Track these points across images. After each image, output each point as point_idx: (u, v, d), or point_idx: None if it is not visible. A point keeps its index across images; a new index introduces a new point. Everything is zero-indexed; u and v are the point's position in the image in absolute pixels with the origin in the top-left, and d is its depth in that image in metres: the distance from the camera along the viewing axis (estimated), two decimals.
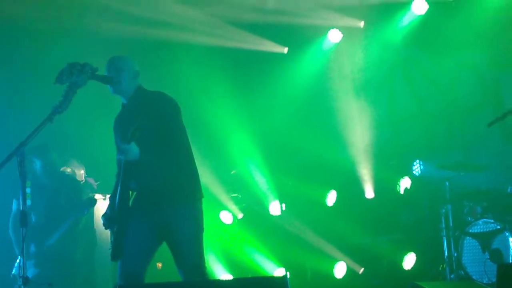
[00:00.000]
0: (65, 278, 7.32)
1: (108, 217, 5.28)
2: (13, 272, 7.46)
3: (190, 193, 5.30)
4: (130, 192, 5.28)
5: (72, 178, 7.91)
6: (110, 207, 5.32)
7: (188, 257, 5.20)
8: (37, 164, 7.56)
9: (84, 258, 7.81)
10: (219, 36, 9.10)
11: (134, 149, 4.98)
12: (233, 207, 9.18)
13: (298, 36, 9.31)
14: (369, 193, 9.24)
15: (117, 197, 5.20)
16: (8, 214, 7.68)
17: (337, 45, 9.46)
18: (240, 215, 9.14)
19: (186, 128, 5.42)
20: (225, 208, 9.11)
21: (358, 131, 9.31)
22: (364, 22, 9.18)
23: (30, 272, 7.29)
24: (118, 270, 5.18)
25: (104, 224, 5.31)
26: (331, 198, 9.32)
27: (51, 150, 7.60)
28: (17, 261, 7.37)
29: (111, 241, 5.22)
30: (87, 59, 5.17)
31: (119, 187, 5.20)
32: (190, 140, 5.42)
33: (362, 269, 8.95)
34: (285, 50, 9.51)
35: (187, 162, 5.36)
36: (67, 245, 7.55)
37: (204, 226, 5.33)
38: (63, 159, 8.08)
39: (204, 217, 5.35)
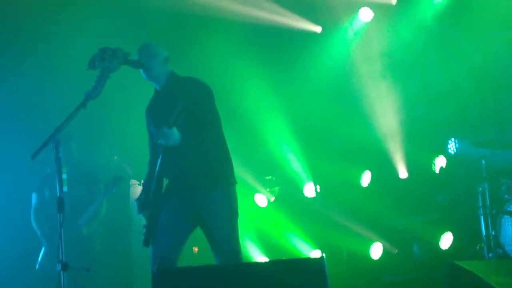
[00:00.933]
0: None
1: (142, 202, 5.30)
2: (39, 262, 7.54)
3: (224, 178, 5.31)
4: (164, 179, 5.29)
5: (88, 171, 7.89)
6: (144, 192, 5.34)
7: (223, 243, 5.21)
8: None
9: (106, 246, 7.85)
10: (254, 9, 9.06)
11: (175, 134, 4.98)
12: (267, 189, 9.19)
13: (331, 15, 9.25)
14: (403, 173, 9.18)
15: (154, 182, 5.21)
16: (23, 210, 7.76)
17: (369, 24, 9.37)
18: (272, 198, 9.13)
19: (219, 111, 5.42)
20: (259, 191, 9.12)
21: (391, 111, 9.23)
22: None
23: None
24: (151, 255, 5.20)
25: (138, 209, 5.34)
26: (366, 178, 9.28)
27: (71, 139, 7.62)
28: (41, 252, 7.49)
29: (144, 226, 5.24)
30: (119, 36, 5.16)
31: (156, 172, 5.20)
32: (223, 123, 5.43)
33: (396, 250, 8.89)
34: (319, 29, 9.45)
35: (221, 147, 5.37)
36: (87, 232, 7.61)
37: (239, 209, 5.33)
38: (93, 146, 8.16)
39: (238, 200, 5.36)
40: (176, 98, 5.11)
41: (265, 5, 9.04)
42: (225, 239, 5.21)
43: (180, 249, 5.26)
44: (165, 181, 5.34)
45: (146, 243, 5.17)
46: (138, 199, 5.36)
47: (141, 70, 5.34)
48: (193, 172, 5.24)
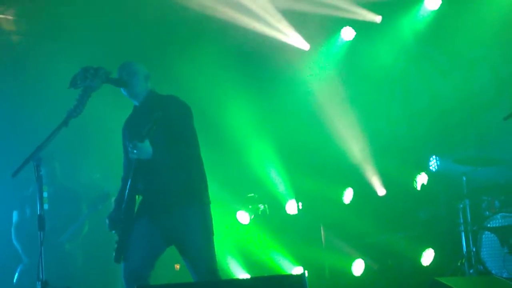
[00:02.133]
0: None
1: (112, 218, 5.28)
2: (16, 278, 7.51)
3: (198, 197, 5.29)
4: (137, 196, 5.28)
5: (70, 189, 7.88)
6: (115, 209, 5.33)
7: (199, 263, 5.20)
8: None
9: (87, 264, 7.82)
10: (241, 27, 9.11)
11: (147, 147, 4.98)
12: (249, 207, 9.19)
13: (318, 32, 9.32)
14: (381, 190, 9.22)
15: (125, 198, 5.20)
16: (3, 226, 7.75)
17: (350, 42, 9.46)
18: (251, 216, 9.11)
19: (202, 128, 5.43)
20: (241, 208, 9.12)
21: (373, 128, 9.29)
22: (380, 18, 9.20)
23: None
24: (122, 272, 5.18)
25: (108, 226, 5.30)
26: (348, 195, 9.31)
27: (55, 159, 7.62)
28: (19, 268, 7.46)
29: (115, 242, 5.21)
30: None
31: (127, 188, 5.20)
32: (206, 140, 5.44)
33: (376, 266, 8.92)
34: (307, 47, 9.50)
35: (196, 166, 5.36)
36: (69, 248, 7.59)
37: (222, 226, 5.34)
38: (76, 164, 8.14)
39: (221, 218, 5.35)
40: (154, 113, 5.12)
41: (252, 22, 9.08)
42: (201, 259, 5.20)
43: (152, 265, 5.23)
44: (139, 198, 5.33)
45: (117, 259, 5.14)
46: (109, 216, 5.33)
47: (121, 88, 5.36)
48: (166, 190, 5.22)
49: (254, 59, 9.18)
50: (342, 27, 9.41)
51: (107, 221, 5.31)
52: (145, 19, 8.58)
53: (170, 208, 5.20)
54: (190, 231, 5.19)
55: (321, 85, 9.47)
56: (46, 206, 7.18)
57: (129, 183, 5.19)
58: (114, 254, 5.14)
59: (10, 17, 8.42)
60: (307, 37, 9.47)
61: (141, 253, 5.17)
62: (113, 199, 7.88)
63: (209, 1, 8.67)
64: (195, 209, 5.24)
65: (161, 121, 5.03)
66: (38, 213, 4.71)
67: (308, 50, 9.53)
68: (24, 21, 8.51)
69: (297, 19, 9.22)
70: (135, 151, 4.98)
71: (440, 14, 8.91)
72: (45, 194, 7.29)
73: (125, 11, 8.41)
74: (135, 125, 5.33)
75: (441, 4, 8.87)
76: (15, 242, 7.65)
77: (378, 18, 9.20)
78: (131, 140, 5.09)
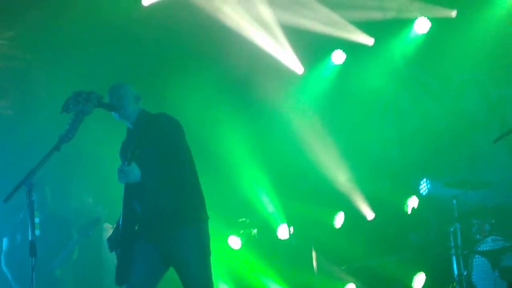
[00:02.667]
0: None
1: (112, 240, 5.30)
2: None
3: (193, 215, 5.27)
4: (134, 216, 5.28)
5: (60, 216, 7.85)
6: (115, 230, 5.35)
7: (195, 282, 5.16)
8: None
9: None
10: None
11: (134, 171, 4.99)
12: (241, 231, 9.17)
13: (311, 55, 9.39)
14: (369, 214, 9.24)
15: (121, 219, 5.21)
16: None
17: (342, 65, 9.53)
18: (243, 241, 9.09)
19: (193, 152, 5.42)
20: (233, 233, 9.09)
21: (364, 151, 9.33)
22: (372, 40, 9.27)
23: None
24: None
25: (109, 247, 5.32)
26: (339, 219, 9.31)
27: (46, 184, 7.60)
28: None
29: (115, 264, 5.20)
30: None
31: (121, 210, 5.20)
32: (197, 164, 5.42)
33: None
34: (301, 70, 9.54)
35: (191, 183, 5.34)
36: (59, 273, 7.55)
37: (213, 251, 5.30)
38: (68, 190, 8.11)
39: (212, 242, 5.33)
40: (146, 135, 5.15)
41: (246, 44, 9.12)
42: (197, 279, 5.16)
43: None
44: None
45: (118, 281, 5.14)
46: (109, 238, 5.35)
47: (112, 112, 5.36)
48: (160, 211, 5.21)
49: (247, 82, 9.21)
50: (333, 50, 9.46)
51: (107, 242, 5.32)
52: (138, 42, 8.63)
53: (165, 229, 5.18)
54: (186, 252, 5.16)
55: (313, 109, 9.51)
56: (37, 232, 7.15)
57: (123, 204, 5.19)
58: (115, 276, 5.13)
59: (5, 42, 8.46)
60: (302, 60, 9.51)
61: (143, 277, 5.16)
62: (104, 224, 7.89)
63: (202, 23, 8.72)
64: (190, 229, 5.21)
65: (149, 143, 5.06)
66: (30, 239, 4.67)
67: (302, 74, 9.56)
68: (18, 45, 8.53)
69: (292, 41, 9.26)
70: (122, 175, 4.99)
71: (429, 37, 8.99)
72: (36, 220, 7.26)
73: (119, 34, 8.46)
74: (127, 148, 5.33)
75: (430, 28, 8.95)
76: (5, 269, 7.59)
77: (370, 41, 9.25)
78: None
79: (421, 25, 8.96)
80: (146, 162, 5.04)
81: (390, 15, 8.98)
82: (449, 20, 8.79)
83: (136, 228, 5.28)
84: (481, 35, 8.59)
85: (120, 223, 5.22)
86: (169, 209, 5.21)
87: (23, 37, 8.46)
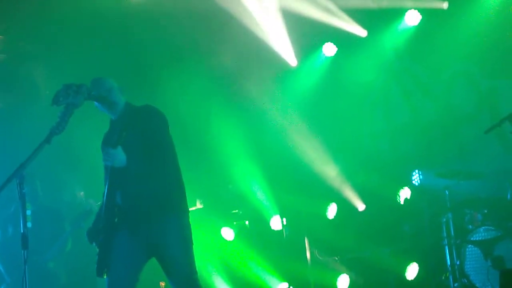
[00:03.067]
0: None
1: (91, 231, 5.29)
2: None
3: (175, 207, 5.29)
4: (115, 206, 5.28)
5: (52, 208, 7.85)
6: (95, 221, 5.34)
7: (179, 273, 5.19)
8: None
9: (71, 282, 7.77)
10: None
11: (120, 154, 5.00)
12: (234, 223, 9.19)
13: (305, 48, 9.38)
14: (360, 205, 9.26)
15: (102, 209, 5.21)
16: None
17: (333, 58, 9.53)
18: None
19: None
20: (226, 224, 9.11)
21: (356, 143, 9.35)
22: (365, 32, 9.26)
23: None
24: (107, 286, 5.15)
25: (88, 238, 5.30)
26: (332, 211, 9.32)
27: (36, 177, 7.59)
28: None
29: (96, 255, 5.20)
30: None
31: (103, 199, 5.21)
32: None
33: (362, 281, 8.93)
34: (295, 62, 9.54)
35: (173, 174, 5.36)
36: (52, 266, 7.55)
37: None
38: (59, 182, 8.10)
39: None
40: (130, 124, 5.17)
41: (238, 36, 9.11)
42: (180, 269, 5.19)
43: (136, 278, 5.22)
44: None
45: (98, 273, 5.13)
46: (88, 229, 5.34)
47: (96, 103, 5.35)
48: (142, 200, 5.21)
49: (240, 75, 9.22)
50: (324, 42, 9.47)
51: (86, 234, 5.31)
52: (129, 35, 8.61)
53: (147, 219, 5.19)
54: (168, 241, 5.18)
55: (305, 102, 9.52)
56: (29, 225, 7.15)
57: (105, 194, 5.20)
58: (95, 267, 5.13)
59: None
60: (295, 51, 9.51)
61: (124, 267, 5.16)
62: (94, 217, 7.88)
63: (193, 15, 8.71)
64: (172, 219, 5.23)
65: (134, 128, 5.07)
66: (21, 231, 4.68)
67: (295, 66, 9.57)
68: (7, 39, 8.52)
69: (287, 31, 9.25)
70: (108, 158, 5.00)
71: (420, 30, 9.01)
72: (28, 212, 7.26)
73: (109, 28, 8.45)
74: (110, 138, 5.33)
75: (421, 20, 8.96)
76: None
77: (363, 32, 9.24)
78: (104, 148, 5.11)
79: (412, 18, 8.97)
80: (130, 151, 5.04)
81: (384, 5, 8.96)
82: (439, 12, 8.80)
83: (116, 219, 5.27)
84: (471, 27, 8.62)
85: (102, 214, 5.21)
86: (151, 200, 5.21)
87: (13, 31, 8.43)
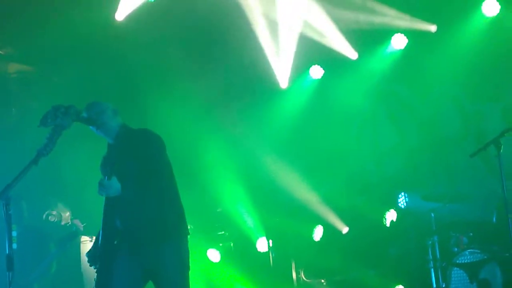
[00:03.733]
0: None
1: (91, 254, 5.32)
2: None
3: (173, 231, 5.29)
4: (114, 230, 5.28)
5: (37, 229, 7.81)
6: (95, 244, 5.36)
7: None
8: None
9: None
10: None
11: (114, 185, 5.00)
12: (220, 244, 9.17)
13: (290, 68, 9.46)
14: (344, 228, 9.27)
15: (100, 234, 5.21)
16: None
17: (319, 80, 9.59)
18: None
19: (174, 167, 5.43)
20: (212, 246, 9.09)
21: (343, 165, 9.38)
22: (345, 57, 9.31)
23: None
24: None
25: (88, 261, 5.33)
26: (318, 233, 9.33)
27: (22, 199, 7.56)
28: None
29: (95, 279, 5.21)
30: None
31: (101, 224, 5.22)
32: (177, 179, 5.43)
33: None
34: (285, 85, 9.57)
35: (171, 199, 5.36)
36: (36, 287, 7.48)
37: (192, 265, 5.32)
38: (45, 203, 8.06)
39: (191, 255, 5.35)
40: (126, 150, 5.17)
41: (230, 59, 9.13)
42: None
43: None
44: None
45: None
46: (88, 252, 5.37)
47: (91, 127, 5.36)
48: (140, 225, 5.22)
49: (228, 98, 9.27)
50: (311, 65, 9.53)
51: (86, 256, 5.33)
52: (116, 57, 8.64)
53: (145, 244, 5.20)
54: (165, 266, 5.19)
55: (292, 123, 9.56)
56: (14, 246, 7.09)
57: (102, 219, 5.21)
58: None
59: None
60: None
61: (125, 286, 5.17)
62: (81, 237, 7.85)
63: (181, 35, 8.74)
64: (169, 244, 5.23)
65: (130, 159, 5.09)
66: (7, 252, 4.65)
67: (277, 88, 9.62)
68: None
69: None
70: (102, 190, 5.00)
71: (406, 53, 9.08)
72: (14, 233, 7.21)
73: (97, 49, 8.48)
74: (108, 163, 5.33)
75: (407, 43, 9.04)
76: None
77: (354, 55, 9.28)
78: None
79: (398, 41, 9.05)
80: (127, 176, 5.06)
81: (374, 25, 9.01)
82: (426, 35, 8.86)
83: (116, 242, 5.27)
84: (458, 50, 8.69)
85: (100, 237, 5.21)
86: (148, 224, 5.22)
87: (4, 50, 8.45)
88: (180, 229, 5.34)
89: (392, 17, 8.86)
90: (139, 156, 5.22)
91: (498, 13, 8.50)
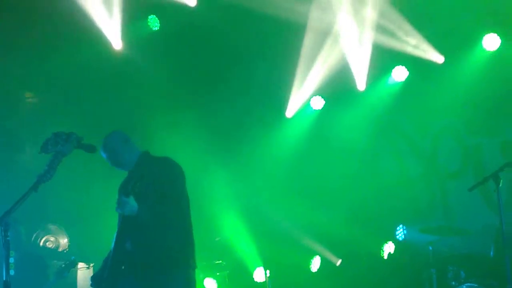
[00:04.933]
0: None
1: (96, 278, 5.30)
2: None
3: (186, 261, 5.31)
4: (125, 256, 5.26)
5: (36, 255, 7.78)
6: (101, 268, 5.35)
7: None
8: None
9: None
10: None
11: (132, 203, 5.02)
12: (217, 274, 9.13)
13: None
14: (337, 261, 9.26)
15: (110, 257, 5.20)
16: None
17: (320, 111, 9.63)
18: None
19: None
20: (209, 275, 9.04)
21: (342, 196, 9.38)
22: (348, 88, 9.35)
23: None
24: None
25: (91, 285, 5.31)
26: (316, 263, 9.30)
27: (20, 224, 7.55)
28: None
29: None
30: None
31: (112, 245, 5.20)
32: None
33: None
34: (290, 114, 9.63)
35: (184, 228, 5.37)
36: None
37: None
38: (43, 229, 8.05)
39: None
40: (147, 174, 5.16)
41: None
42: None
43: None
44: None
45: None
46: (93, 276, 5.36)
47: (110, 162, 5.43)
48: (153, 249, 5.21)
49: (218, 131, 9.33)
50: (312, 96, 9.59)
51: (90, 280, 5.32)
52: (119, 85, 8.70)
53: (155, 271, 5.19)
54: None
55: (291, 155, 9.58)
56: (12, 272, 7.06)
57: (114, 240, 5.20)
58: None
59: None
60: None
61: None
62: (78, 266, 7.81)
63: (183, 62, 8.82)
64: (179, 274, 5.25)
65: (149, 179, 5.09)
66: (4, 279, 4.63)
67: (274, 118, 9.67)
68: None
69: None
70: (119, 206, 5.03)
71: (407, 86, 9.13)
72: (11, 260, 7.18)
73: (100, 77, 8.53)
74: (129, 182, 5.34)
75: (408, 76, 9.10)
76: None
77: (362, 87, 9.33)
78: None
79: (399, 74, 9.12)
80: (145, 198, 5.08)
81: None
82: (427, 68, 8.92)
83: (123, 267, 5.25)
84: (459, 84, 8.77)
85: (109, 260, 5.20)
86: (161, 250, 5.22)
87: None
88: (191, 261, 5.36)
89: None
90: (160, 181, 5.24)
91: (499, 47, 8.58)
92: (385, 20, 8.67)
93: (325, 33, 8.94)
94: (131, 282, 5.20)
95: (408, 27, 8.65)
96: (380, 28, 8.75)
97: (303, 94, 9.49)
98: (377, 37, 8.81)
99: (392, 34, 8.75)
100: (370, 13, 8.67)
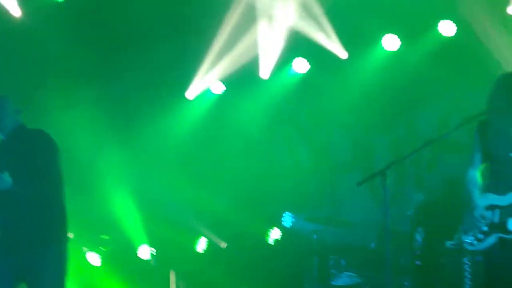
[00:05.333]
0: None
1: None
2: None
3: (57, 236, 5.27)
4: None
5: None
6: None
7: None
8: None
9: None
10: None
11: (6, 178, 4.94)
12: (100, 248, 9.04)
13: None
14: (222, 243, 9.37)
15: None
16: None
17: (221, 96, 9.66)
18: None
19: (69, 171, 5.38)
20: (93, 249, 8.94)
21: (232, 181, 9.46)
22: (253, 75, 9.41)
23: None
24: None
25: None
26: (202, 244, 9.36)
27: None
28: None
29: None
30: None
31: None
32: (68, 181, 5.38)
33: None
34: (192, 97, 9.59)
35: (58, 204, 5.32)
36: None
37: (71, 266, 5.29)
38: None
39: (70, 257, 5.31)
40: (20, 148, 5.12)
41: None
42: None
43: None
44: None
45: None
46: None
47: None
48: (25, 226, 5.15)
49: (129, 113, 9.22)
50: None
51: None
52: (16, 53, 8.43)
53: (26, 246, 5.13)
54: (43, 271, 5.15)
55: (188, 137, 9.58)
56: None
57: None
58: None
59: None
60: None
61: None
62: None
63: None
64: (51, 249, 5.20)
65: (24, 154, 5.04)
66: None
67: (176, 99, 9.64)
68: None
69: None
70: None
71: (308, 78, 9.30)
72: None
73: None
74: (1, 157, 5.22)
75: (310, 69, 9.25)
76: None
77: (266, 75, 9.38)
78: None
79: (300, 65, 9.25)
80: (17, 174, 4.99)
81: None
82: (331, 62, 9.08)
83: None
84: (358, 81, 8.98)
85: None
86: (32, 226, 5.16)
87: None
88: (63, 236, 5.32)
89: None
90: (32, 156, 5.16)
91: (398, 48, 8.85)
92: (305, 10, 8.74)
93: (243, 18, 8.93)
94: (1, 258, 5.14)
95: (324, 19, 8.77)
96: (298, 17, 8.83)
97: (208, 77, 9.46)
98: (292, 26, 8.89)
99: (307, 25, 8.86)
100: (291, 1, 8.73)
